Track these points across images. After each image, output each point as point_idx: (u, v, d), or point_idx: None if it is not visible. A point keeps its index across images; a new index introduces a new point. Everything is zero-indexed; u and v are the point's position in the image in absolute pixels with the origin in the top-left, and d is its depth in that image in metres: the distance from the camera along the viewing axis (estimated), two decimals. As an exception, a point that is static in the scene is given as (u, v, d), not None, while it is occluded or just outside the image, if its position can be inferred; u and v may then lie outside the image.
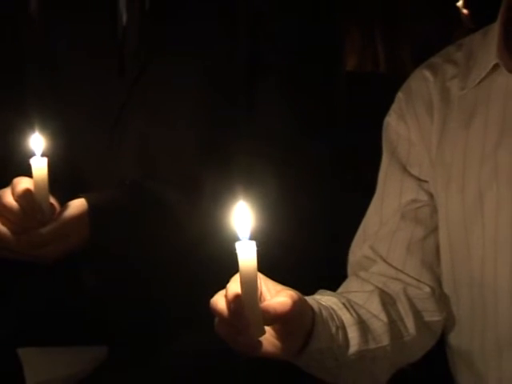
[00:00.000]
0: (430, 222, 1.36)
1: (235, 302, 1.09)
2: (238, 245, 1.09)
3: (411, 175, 1.38)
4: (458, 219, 1.33)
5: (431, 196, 1.37)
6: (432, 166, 1.36)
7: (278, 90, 1.51)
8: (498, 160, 1.31)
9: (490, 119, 1.33)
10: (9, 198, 1.43)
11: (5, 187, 1.45)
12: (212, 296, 1.14)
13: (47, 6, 1.68)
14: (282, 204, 1.43)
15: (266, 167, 1.47)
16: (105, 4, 1.59)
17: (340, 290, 1.36)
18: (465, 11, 2.04)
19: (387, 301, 1.32)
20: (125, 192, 1.53)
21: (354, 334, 1.25)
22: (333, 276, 1.40)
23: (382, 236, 1.37)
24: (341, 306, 1.27)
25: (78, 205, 1.47)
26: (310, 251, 1.49)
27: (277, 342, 1.15)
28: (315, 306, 1.21)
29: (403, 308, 1.33)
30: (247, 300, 1.09)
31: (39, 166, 1.42)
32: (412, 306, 1.33)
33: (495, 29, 1.34)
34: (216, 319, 1.13)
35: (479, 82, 1.34)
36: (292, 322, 1.14)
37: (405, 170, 1.38)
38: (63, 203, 1.47)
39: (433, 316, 1.34)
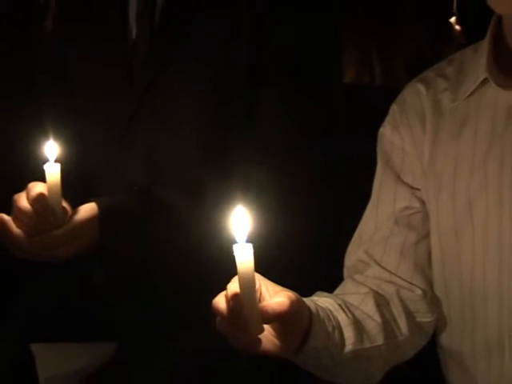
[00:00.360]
0: (422, 228, 1.36)
1: (234, 302, 1.09)
2: (235, 247, 1.09)
3: (404, 183, 1.37)
4: (449, 225, 1.32)
5: (423, 203, 1.36)
6: (424, 174, 1.36)
7: (278, 99, 1.50)
8: (487, 169, 1.30)
9: (480, 130, 1.32)
10: (24, 201, 1.43)
11: (20, 191, 1.45)
12: (213, 296, 1.14)
13: (61, 19, 1.69)
14: (279, 209, 1.42)
15: (265, 174, 1.47)
16: (116, 18, 1.58)
17: (336, 291, 1.35)
18: (457, 27, 2.04)
19: (381, 302, 1.31)
20: (133, 197, 1.53)
21: (349, 334, 1.25)
22: (330, 278, 1.39)
23: (376, 241, 1.37)
24: (337, 307, 1.26)
25: (88, 209, 1.47)
26: (306, 254, 1.49)
27: (276, 341, 1.15)
28: (312, 307, 1.20)
29: (396, 309, 1.32)
30: (246, 299, 1.10)
31: (52, 172, 1.42)
32: (405, 307, 1.32)
33: (485, 45, 1.33)
34: (217, 318, 1.13)
35: (469, 95, 1.34)
36: (290, 321, 1.14)
37: (398, 178, 1.37)
38: (75, 207, 1.47)
39: (424, 317, 1.34)
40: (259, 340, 1.12)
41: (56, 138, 1.45)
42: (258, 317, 1.11)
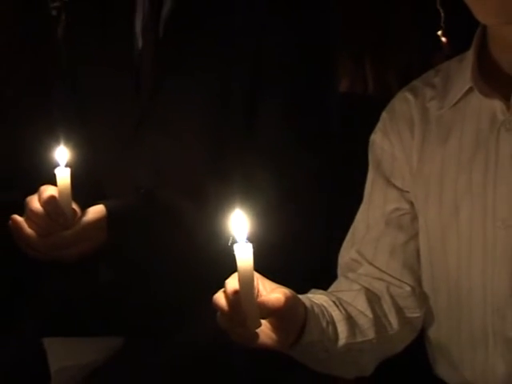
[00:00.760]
0: (410, 229, 1.35)
1: (234, 298, 1.10)
2: (236, 247, 1.09)
3: (394, 186, 1.37)
4: (436, 226, 1.32)
5: (412, 205, 1.36)
6: (413, 178, 1.35)
7: (276, 106, 1.49)
8: (472, 173, 1.29)
9: (465, 136, 1.31)
10: (36, 203, 1.43)
11: (32, 194, 1.45)
12: (214, 293, 1.14)
13: (71, 31, 1.68)
14: (277, 211, 1.42)
15: (264, 178, 1.46)
16: (123, 30, 1.58)
17: (330, 289, 1.35)
18: (443, 39, 2.04)
19: (372, 299, 1.31)
20: (139, 199, 1.52)
21: (342, 329, 1.25)
22: (324, 276, 1.38)
23: (368, 241, 1.36)
24: (331, 303, 1.26)
25: (97, 210, 1.47)
26: (302, 253, 1.48)
27: (273, 335, 1.15)
28: (307, 303, 1.20)
29: (387, 305, 1.32)
30: (244, 296, 1.10)
31: (63, 176, 1.41)
32: (395, 303, 1.32)
33: (470, 55, 1.33)
34: (218, 313, 1.13)
35: (455, 104, 1.33)
36: (285, 316, 1.14)
37: (389, 181, 1.37)
38: (84, 209, 1.46)
39: (413, 312, 1.33)
40: (257, 334, 1.12)
41: (66, 143, 1.44)
42: (255, 312, 1.11)
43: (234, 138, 1.51)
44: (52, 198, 1.41)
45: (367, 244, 1.36)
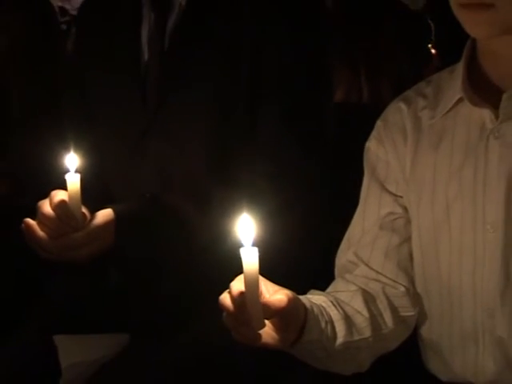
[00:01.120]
0: (404, 232, 1.34)
1: (239, 299, 1.09)
2: (242, 250, 1.08)
3: (388, 191, 1.35)
4: (429, 229, 1.31)
5: (405, 209, 1.35)
6: (406, 183, 1.34)
7: (276, 114, 1.48)
8: (462, 178, 1.28)
9: (455, 144, 1.30)
10: (47, 207, 1.42)
11: (44, 199, 1.44)
12: (219, 293, 1.13)
13: (80, 44, 1.67)
14: (279, 215, 1.40)
15: (265, 183, 1.45)
16: (129, 43, 1.57)
17: (328, 289, 1.33)
18: (434, 52, 2.04)
19: (369, 299, 1.30)
20: (145, 204, 1.51)
21: (340, 328, 1.23)
22: (323, 278, 1.37)
23: (363, 243, 1.35)
24: (329, 303, 1.25)
25: (105, 214, 1.46)
26: (303, 256, 1.47)
27: (274, 335, 1.14)
28: (307, 304, 1.19)
29: (382, 305, 1.30)
30: (249, 298, 1.09)
31: (73, 181, 1.41)
32: (390, 303, 1.31)
33: (460, 67, 1.32)
34: (224, 313, 1.12)
35: (446, 113, 1.32)
36: (287, 317, 1.13)
37: (383, 186, 1.36)
38: (93, 212, 1.45)
39: (407, 311, 1.32)
40: (259, 334, 1.11)
41: (76, 150, 1.43)
42: (259, 313, 1.10)
43: (236, 146, 1.49)
44: (62, 202, 1.40)
45: (363, 246, 1.35)
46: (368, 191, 1.38)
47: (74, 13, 2.37)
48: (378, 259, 1.33)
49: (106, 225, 1.44)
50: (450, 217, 1.29)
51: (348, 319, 1.25)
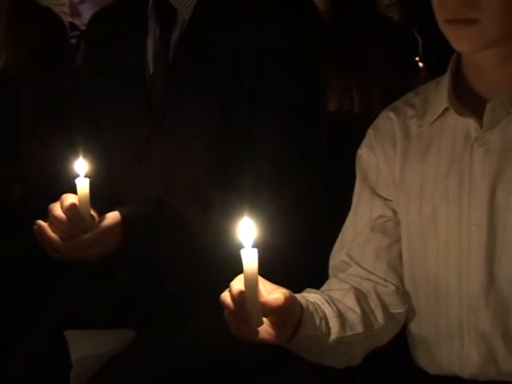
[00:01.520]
0: (394, 233, 1.33)
1: (239, 298, 1.08)
2: (242, 252, 1.07)
3: (379, 196, 1.35)
4: (417, 231, 1.30)
5: (395, 212, 1.34)
6: (395, 188, 1.33)
7: (275, 122, 1.47)
8: (448, 184, 1.28)
9: (442, 151, 1.29)
10: (58, 210, 1.41)
11: (55, 202, 1.43)
12: (220, 292, 1.13)
13: (89, 56, 1.66)
14: (278, 219, 1.39)
15: (265, 188, 1.44)
16: (136, 56, 1.55)
17: (323, 288, 1.33)
18: (421, 64, 2.03)
19: (360, 297, 1.29)
20: (151, 207, 1.50)
21: (334, 324, 1.23)
22: (318, 277, 1.36)
23: (356, 245, 1.34)
24: (323, 301, 1.25)
25: (113, 216, 1.45)
26: (301, 257, 1.46)
27: (272, 331, 1.14)
28: (303, 302, 1.19)
29: (373, 302, 1.30)
30: (249, 296, 1.08)
31: (82, 185, 1.40)
32: (380, 300, 1.30)
33: (446, 79, 1.31)
34: (225, 311, 1.11)
35: (433, 122, 1.31)
36: (284, 314, 1.13)
37: (374, 191, 1.35)
38: (101, 215, 1.44)
39: (397, 309, 1.31)
40: (258, 330, 1.11)
41: (85, 156, 1.43)
42: (258, 311, 1.09)
43: (237, 152, 1.48)
44: (73, 205, 1.39)
45: (355, 247, 1.34)
46: (360, 195, 1.37)
47: (83, 28, 2.37)
48: (370, 259, 1.33)
49: (113, 226, 1.43)
50: (436, 220, 1.28)
51: (341, 316, 1.25)
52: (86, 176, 1.40)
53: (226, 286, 1.12)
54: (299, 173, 1.47)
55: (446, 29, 1.23)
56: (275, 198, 1.42)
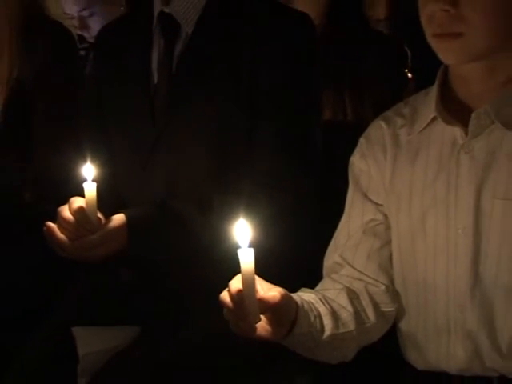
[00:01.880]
0: (384, 236, 1.32)
1: (237, 296, 1.07)
2: (239, 252, 1.06)
3: (370, 200, 1.34)
4: (406, 233, 1.29)
5: (386, 216, 1.33)
6: (386, 193, 1.32)
7: (272, 131, 1.46)
8: (436, 189, 1.26)
9: (430, 158, 1.28)
10: (66, 212, 1.41)
11: (64, 205, 1.42)
12: (220, 290, 1.12)
13: (97, 68, 1.66)
14: (274, 221, 1.38)
15: (262, 193, 1.43)
16: (141, 67, 1.55)
17: (317, 288, 1.32)
18: (410, 76, 2.03)
19: (353, 296, 1.28)
20: (154, 209, 1.49)
21: (327, 322, 1.22)
22: (313, 277, 1.35)
23: (348, 246, 1.33)
24: (318, 300, 1.24)
25: (118, 218, 1.44)
26: (294, 257, 1.45)
27: (269, 328, 1.13)
28: (298, 300, 1.18)
29: (365, 301, 1.29)
30: (246, 295, 1.07)
31: (90, 189, 1.39)
32: (372, 299, 1.29)
33: (434, 90, 1.30)
34: (224, 309, 1.11)
35: (421, 130, 1.30)
36: (280, 312, 1.12)
37: (366, 196, 1.34)
38: (107, 217, 1.44)
39: (387, 307, 1.30)
40: (255, 327, 1.10)
41: (93, 162, 1.42)
42: (256, 308, 1.08)
43: (235, 158, 1.47)
44: (80, 208, 1.39)
45: (348, 249, 1.33)
46: (352, 200, 1.36)
47: (91, 40, 2.36)
48: (362, 261, 1.31)
49: (118, 228, 1.43)
50: (425, 223, 1.27)
51: (334, 314, 1.24)
52: (93, 180, 1.39)
53: (224, 283, 1.11)
54: (294, 178, 1.46)
55: (433, 42, 1.22)
56: (271, 202, 1.42)
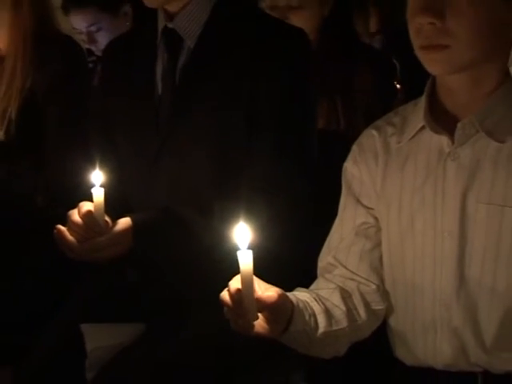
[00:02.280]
0: (375, 238, 1.31)
1: (237, 296, 1.07)
2: (239, 253, 1.06)
3: (362, 204, 1.33)
4: (396, 235, 1.28)
5: (377, 219, 1.32)
6: (377, 197, 1.32)
7: (270, 142, 1.45)
8: (424, 194, 1.26)
9: (419, 165, 1.28)
10: (76, 216, 1.40)
11: (73, 209, 1.41)
12: (220, 290, 1.11)
13: (105, 81, 1.65)
14: (271, 225, 1.37)
15: (260, 198, 1.42)
16: (146, 79, 1.54)
17: (311, 287, 1.31)
18: (399, 87, 2.03)
19: (345, 295, 1.28)
20: (158, 213, 1.48)
21: (321, 320, 1.21)
22: (307, 277, 1.35)
23: (341, 248, 1.33)
24: (312, 299, 1.23)
25: (124, 221, 1.43)
26: (290, 258, 1.44)
27: (266, 325, 1.12)
28: (294, 300, 1.17)
29: (357, 300, 1.28)
30: (245, 294, 1.07)
31: (98, 194, 1.38)
32: (363, 298, 1.29)
33: (422, 100, 1.29)
34: (224, 308, 1.10)
35: (410, 138, 1.30)
36: (277, 310, 1.12)
37: (358, 200, 1.33)
38: (114, 220, 1.43)
39: (378, 305, 1.30)
40: (253, 325, 1.09)
41: (101, 168, 1.41)
42: (254, 307, 1.08)
43: (235, 165, 1.46)
44: (89, 212, 1.38)
45: (341, 251, 1.32)
46: (345, 204, 1.35)
47: (99, 53, 2.36)
48: (354, 261, 1.31)
49: (125, 231, 1.42)
50: (413, 226, 1.26)
51: (328, 312, 1.23)
52: (101, 186, 1.38)
53: (225, 283, 1.10)
54: (290, 184, 1.45)
55: (421, 54, 1.22)
56: (268, 206, 1.41)
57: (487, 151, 1.23)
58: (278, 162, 1.45)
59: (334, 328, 1.23)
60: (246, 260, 1.06)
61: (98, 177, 1.39)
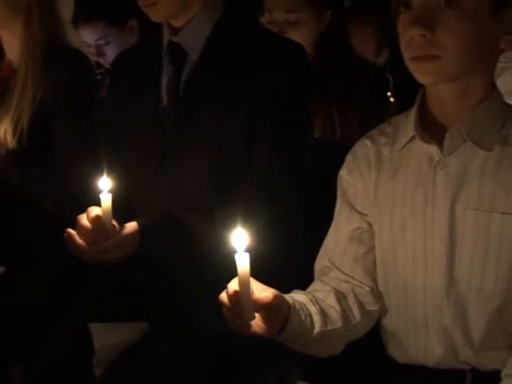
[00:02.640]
0: (369, 243, 1.31)
1: (234, 297, 1.07)
2: (236, 256, 1.06)
3: (356, 211, 1.33)
4: (388, 240, 1.28)
5: (370, 225, 1.32)
6: (370, 204, 1.32)
7: (268, 152, 1.45)
8: (415, 201, 1.26)
9: (409, 173, 1.28)
10: (84, 220, 1.40)
11: (82, 213, 1.41)
12: (220, 291, 1.11)
13: (112, 91, 1.66)
14: (268, 230, 1.37)
15: (258, 205, 1.42)
16: (151, 90, 1.54)
17: (308, 289, 1.31)
18: (392, 99, 2.03)
19: (340, 297, 1.28)
20: (163, 218, 1.48)
21: (317, 320, 1.21)
22: (303, 279, 1.35)
23: (337, 252, 1.33)
24: (308, 300, 1.23)
25: (131, 225, 1.43)
26: (286, 261, 1.43)
27: (263, 325, 1.12)
28: (290, 300, 1.17)
29: (351, 301, 1.28)
30: (243, 295, 1.07)
31: (106, 199, 1.38)
32: (357, 300, 1.29)
33: (413, 111, 1.29)
34: (223, 309, 1.10)
35: (402, 148, 1.29)
36: (273, 311, 1.12)
37: (352, 207, 1.33)
38: (121, 224, 1.43)
39: (371, 306, 1.29)
40: (251, 325, 1.09)
41: (108, 175, 1.41)
42: (251, 307, 1.08)
43: (235, 173, 1.46)
44: (97, 216, 1.38)
45: (336, 255, 1.32)
46: (340, 210, 1.35)
47: (107, 66, 2.36)
48: (348, 265, 1.31)
49: (131, 234, 1.42)
50: (405, 231, 1.26)
51: (323, 313, 1.23)
52: (108, 192, 1.38)
53: (223, 285, 1.10)
54: (286, 192, 1.45)
55: (411, 65, 1.21)
56: (265, 212, 1.40)
57: (475, 160, 1.23)
58: (275, 171, 1.45)
59: (330, 328, 1.23)
60: (243, 263, 1.06)
61: (105, 183, 1.39)
